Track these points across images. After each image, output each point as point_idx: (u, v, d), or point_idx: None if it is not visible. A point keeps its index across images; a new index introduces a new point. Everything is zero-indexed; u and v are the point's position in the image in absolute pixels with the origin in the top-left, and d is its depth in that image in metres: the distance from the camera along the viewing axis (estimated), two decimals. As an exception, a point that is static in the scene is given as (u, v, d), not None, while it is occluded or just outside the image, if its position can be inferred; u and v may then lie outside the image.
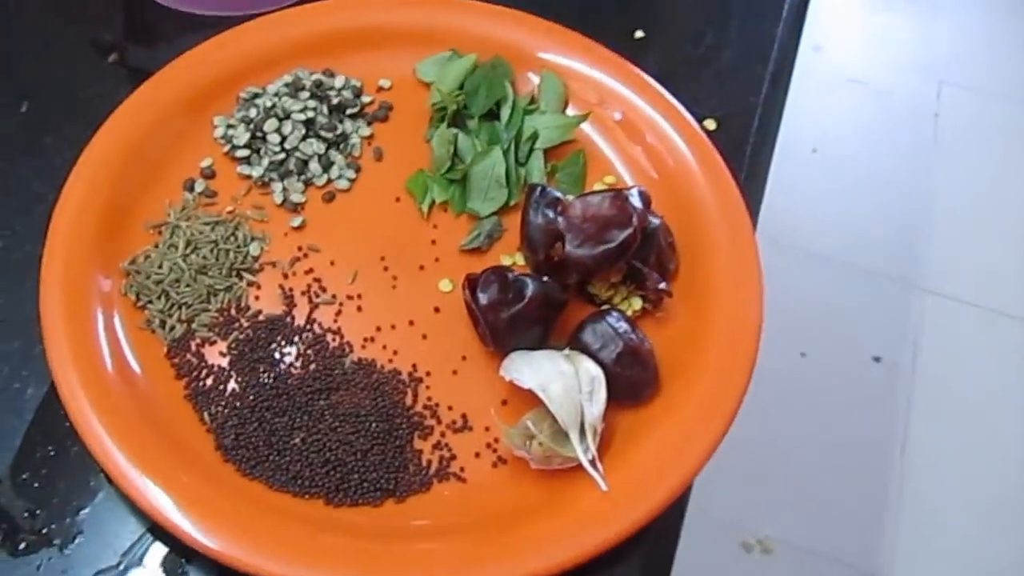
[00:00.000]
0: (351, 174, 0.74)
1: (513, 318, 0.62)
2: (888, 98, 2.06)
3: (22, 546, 0.58)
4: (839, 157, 1.94)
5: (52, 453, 0.62)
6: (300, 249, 0.70)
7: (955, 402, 1.63)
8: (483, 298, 0.63)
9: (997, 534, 1.49)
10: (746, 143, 0.80)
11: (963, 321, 1.73)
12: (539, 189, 0.67)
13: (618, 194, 0.65)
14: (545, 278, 0.64)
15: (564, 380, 0.60)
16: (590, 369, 0.61)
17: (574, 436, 0.59)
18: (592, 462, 0.59)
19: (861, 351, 1.68)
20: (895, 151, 1.98)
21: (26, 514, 0.59)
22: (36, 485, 0.60)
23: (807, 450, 1.53)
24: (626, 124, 0.76)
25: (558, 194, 0.67)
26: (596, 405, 0.60)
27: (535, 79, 0.78)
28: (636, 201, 0.65)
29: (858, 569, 1.46)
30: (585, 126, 0.76)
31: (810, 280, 1.68)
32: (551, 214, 0.66)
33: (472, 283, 0.64)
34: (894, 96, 2.07)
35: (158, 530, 0.59)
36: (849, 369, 1.66)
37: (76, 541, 0.59)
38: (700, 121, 0.77)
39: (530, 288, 0.62)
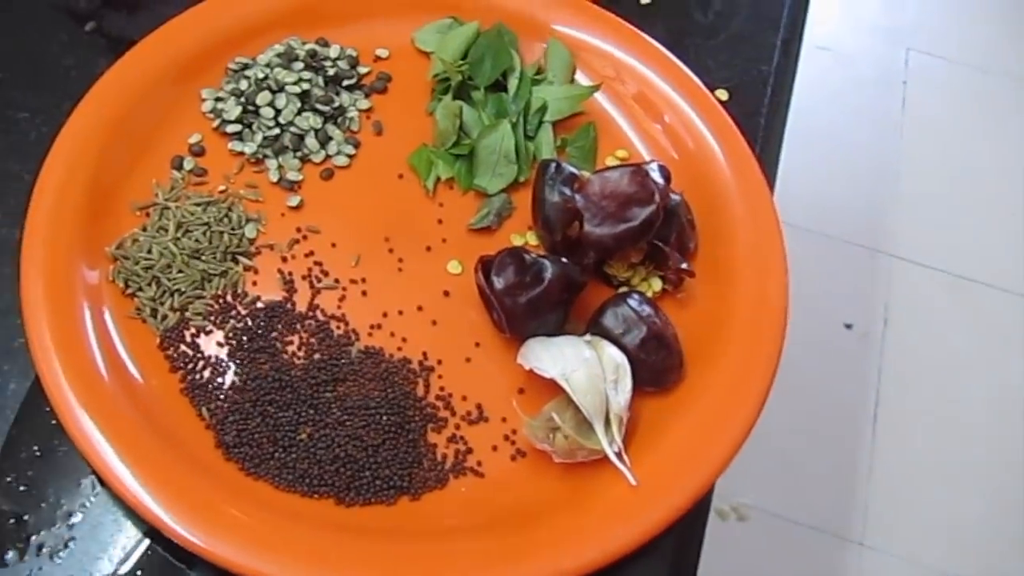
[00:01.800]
0: (350, 150, 0.70)
1: (532, 302, 0.59)
2: (856, 65, 2.04)
3: (9, 555, 0.54)
4: (808, 125, 1.93)
5: (38, 453, 0.58)
6: (299, 230, 0.66)
7: (925, 367, 1.63)
8: (499, 282, 0.59)
9: (967, 498, 1.49)
10: (759, 114, 0.77)
11: (933, 287, 1.72)
12: (553, 165, 0.63)
13: (638, 169, 0.62)
14: (563, 259, 0.60)
15: (587, 368, 0.56)
16: (614, 356, 0.58)
17: (599, 427, 0.56)
18: (619, 455, 0.56)
19: (832, 318, 1.67)
20: (864, 118, 1.96)
21: (12, 520, 0.55)
22: (22, 488, 0.56)
23: (780, 417, 1.52)
24: (640, 97, 0.73)
25: (574, 170, 0.63)
26: (622, 394, 0.57)
27: (540, 47, 0.74)
28: (657, 176, 0.62)
29: (832, 534, 1.46)
30: (594, 96, 0.72)
31: (780, 249, 1.67)
32: (568, 191, 0.62)
33: (486, 266, 0.60)
34: (862, 63, 2.05)
35: (156, 536, 0.55)
36: (821, 336, 1.66)
37: (68, 548, 0.55)
38: (711, 91, 0.73)
39: (549, 270, 0.59)
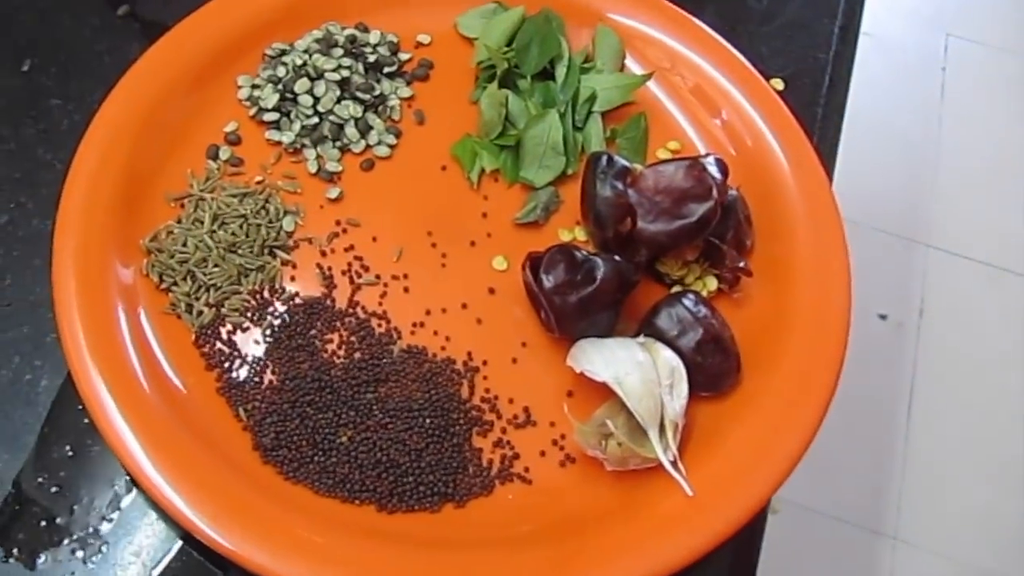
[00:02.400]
0: (391, 140, 0.67)
1: (583, 302, 0.56)
2: (895, 51, 2.01)
3: (41, 559, 0.52)
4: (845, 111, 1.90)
5: (70, 453, 0.56)
6: (338, 223, 0.63)
7: (961, 359, 1.60)
8: (548, 280, 0.56)
9: (1002, 492, 1.47)
10: (816, 104, 0.74)
11: (969, 278, 1.70)
12: (605, 158, 0.61)
13: (694, 163, 0.59)
14: (616, 256, 0.57)
15: (642, 371, 0.54)
16: (669, 359, 0.55)
17: (653, 434, 0.53)
18: (674, 463, 0.54)
19: (867, 308, 1.64)
20: (902, 105, 1.92)
21: (43, 522, 0.53)
22: (54, 490, 0.54)
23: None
24: (694, 88, 0.70)
25: (626, 163, 0.60)
26: (677, 399, 0.54)
27: (587, 33, 0.71)
28: (714, 170, 0.59)
29: (864, 528, 1.44)
30: (645, 86, 0.69)
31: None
32: (620, 186, 0.59)
33: (535, 263, 0.58)
34: (901, 49, 2.01)
35: (191, 540, 0.53)
36: (855, 326, 1.62)
37: (101, 552, 0.53)
38: (766, 80, 0.70)
39: (602, 268, 0.56)
